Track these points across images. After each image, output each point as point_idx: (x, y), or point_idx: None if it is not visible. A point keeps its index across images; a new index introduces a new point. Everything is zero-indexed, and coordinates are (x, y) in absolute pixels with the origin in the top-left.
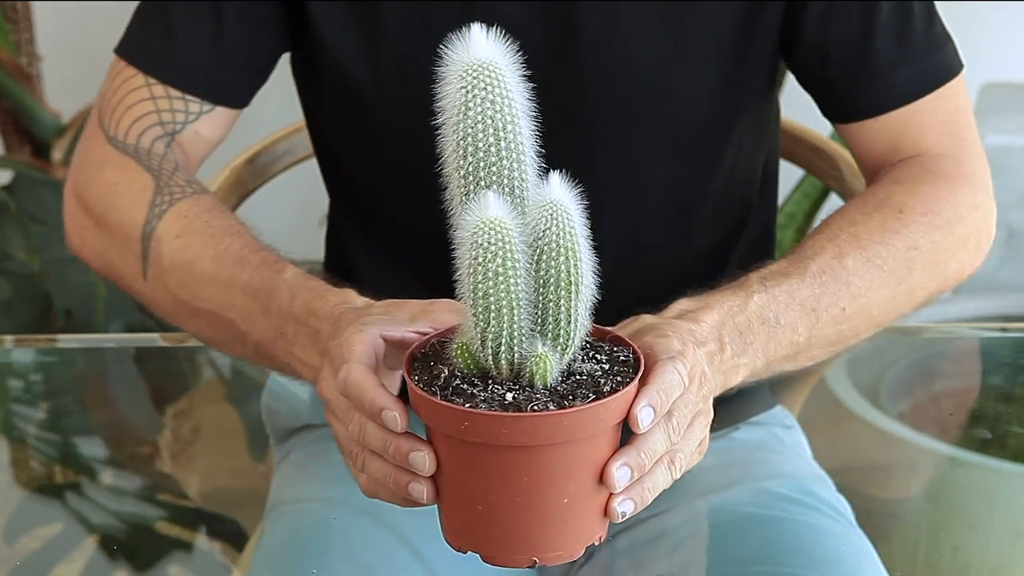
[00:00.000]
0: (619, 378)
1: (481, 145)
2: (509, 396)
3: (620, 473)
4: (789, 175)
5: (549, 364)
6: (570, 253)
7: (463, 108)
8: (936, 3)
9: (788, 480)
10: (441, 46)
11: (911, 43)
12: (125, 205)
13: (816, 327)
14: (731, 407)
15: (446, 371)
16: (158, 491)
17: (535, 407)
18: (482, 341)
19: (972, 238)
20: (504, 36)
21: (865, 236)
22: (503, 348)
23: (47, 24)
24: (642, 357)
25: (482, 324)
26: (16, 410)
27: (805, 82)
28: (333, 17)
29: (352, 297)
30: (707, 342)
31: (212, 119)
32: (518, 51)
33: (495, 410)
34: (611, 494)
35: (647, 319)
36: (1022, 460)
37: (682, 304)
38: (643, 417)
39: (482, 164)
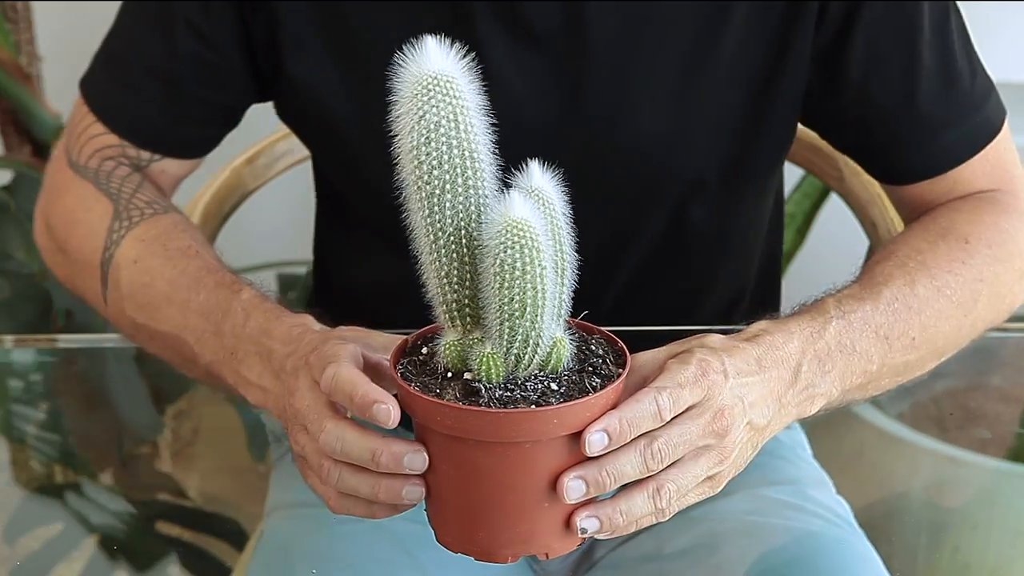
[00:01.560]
0: (600, 350)
1: (434, 154)
2: (553, 385)
3: (573, 485)
4: (789, 175)
5: (567, 346)
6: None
7: (418, 120)
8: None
9: (788, 486)
10: None
11: (956, 102)
12: (84, 232)
13: (888, 355)
14: None
15: (482, 387)
16: (158, 491)
17: (594, 385)
18: (524, 341)
19: None
20: (506, 107)
21: (933, 264)
22: (541, 344)
23: (47, 24)
24: (623, 347)
25: (526, 324)
26: (16, 410)
27: (843, 149)
28: (311, 66)
29: (310, 321)
30: (774, 368)
31: (176, 161)
32: (523, 115)
33: (578, 399)
34: (573, 509)
35: (711, 340)
36: (1022, 460)
37: (761, 325)
38: (593, 440)
39: (448, 179)
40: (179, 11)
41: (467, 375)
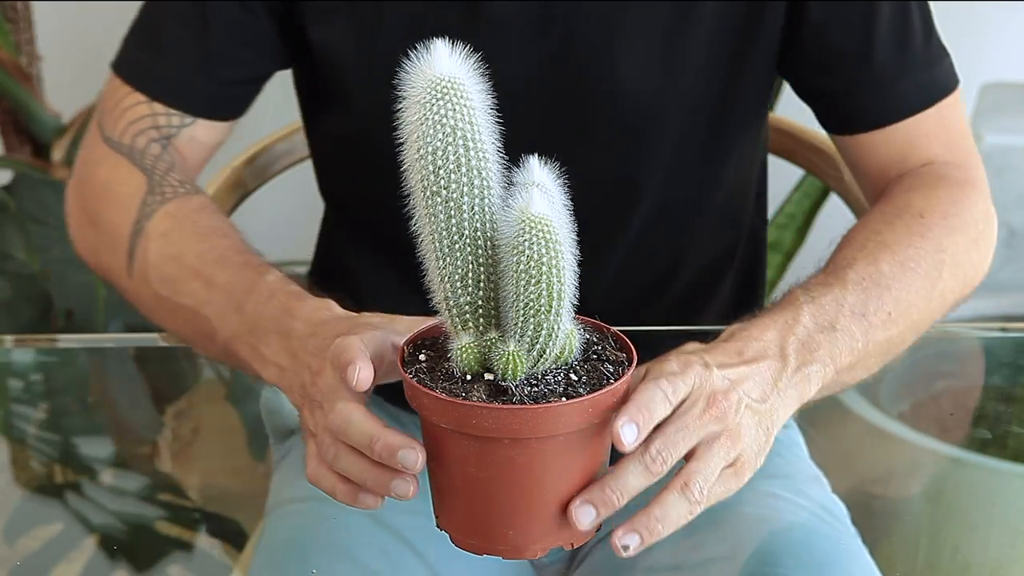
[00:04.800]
0: (594, 337)
1: (452, 158)
2: (573, 376)
3: (582, 511)
4: (790, 175)
5: (577, 337)
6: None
7: (433, 125)
8: (936, 3)
9: (782, 480)
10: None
11: (911, 55)
12: (117, 204)
13: (870, 332)
14: None
15: (510, 386)
16: (158, 491)
17: (608, 371)
18: (547, 336)
19: (983, 241)
20: (504, 51)
21: (893, 242)
22: (561, 338)
23: (47, 24)
24: (625, 339)
25: (551, 319)
26: (16, 410)
27: (804, 94)
28: (331, 33)
29: (333, 306)
30: (759, 359)
31: (208, 126)
32: (516, 67)
33: (602, 386)
34: (614, 527)
35: (687, 347)
36: (1022, 460)
37: (734, 326)
38: (626, 433)
39: (465, 181)
40: None
41: (487, 375)
